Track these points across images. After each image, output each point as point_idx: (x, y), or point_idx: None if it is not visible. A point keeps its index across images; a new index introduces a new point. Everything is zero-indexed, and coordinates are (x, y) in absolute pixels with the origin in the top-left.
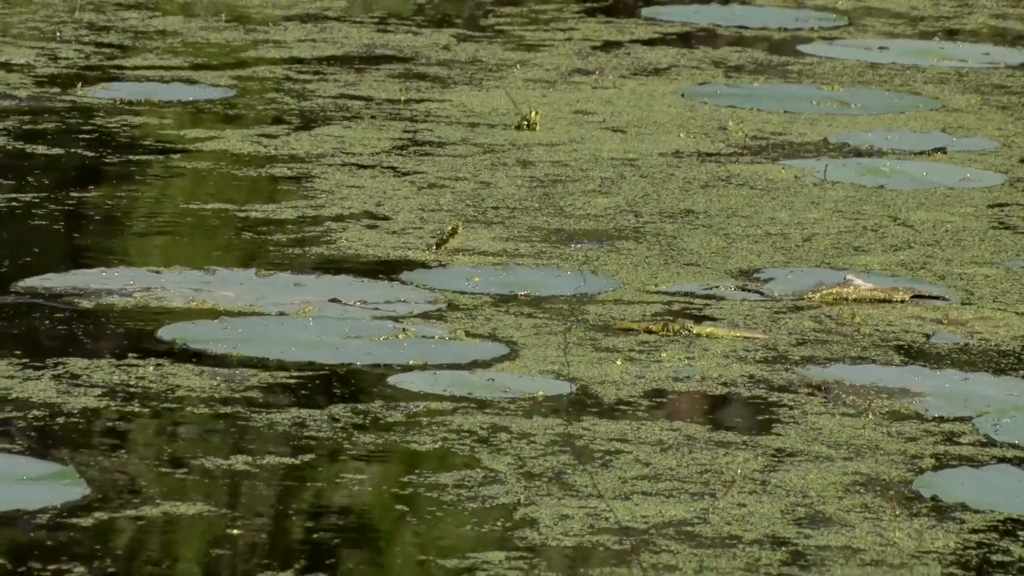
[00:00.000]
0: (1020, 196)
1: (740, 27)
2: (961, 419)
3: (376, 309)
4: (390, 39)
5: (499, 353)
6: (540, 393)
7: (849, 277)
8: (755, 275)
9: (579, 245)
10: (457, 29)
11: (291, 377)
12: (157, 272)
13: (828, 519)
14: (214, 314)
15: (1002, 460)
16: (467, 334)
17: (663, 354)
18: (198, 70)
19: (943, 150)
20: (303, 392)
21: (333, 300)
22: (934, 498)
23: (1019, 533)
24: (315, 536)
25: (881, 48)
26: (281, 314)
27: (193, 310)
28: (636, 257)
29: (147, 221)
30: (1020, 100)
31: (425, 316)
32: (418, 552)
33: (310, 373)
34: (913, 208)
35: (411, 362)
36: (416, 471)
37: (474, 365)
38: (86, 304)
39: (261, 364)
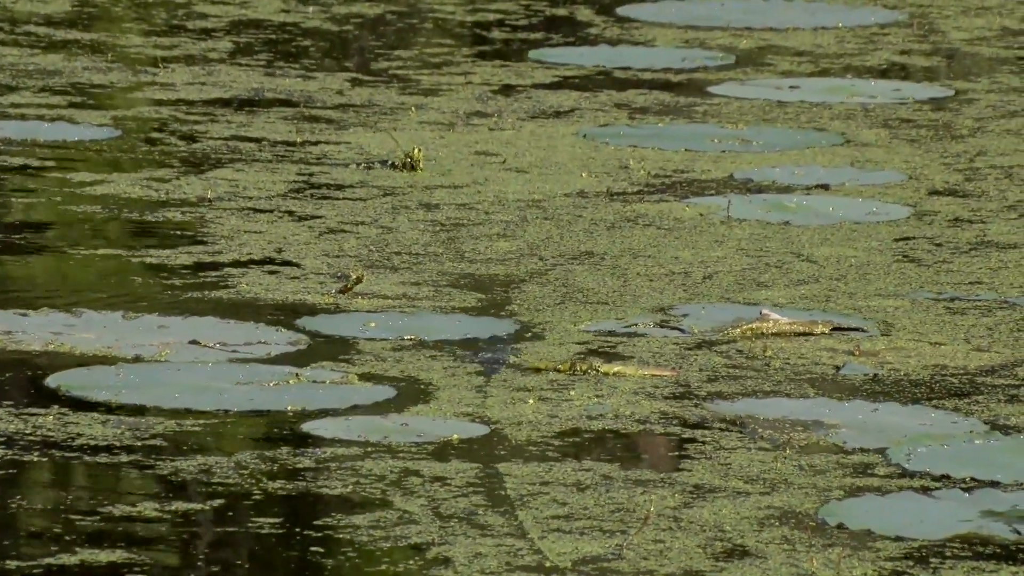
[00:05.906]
0: (927, 229)
1: (626, 68)
2: (876, 450)
3: (234, 351)
4: (279, 83)
5: (388, 396)
6: (455, 437)
7: (765, 312)
8: (671, 312)
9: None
10: (350, 73)
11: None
12: (23, 315)
13: (744, 552)
14: (75, 359)
15: (911, 489)
16: (359, 377)
17: (572, 392)
18: (82, 109)
19: (825, 187)
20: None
21: (192, 342)
22: (840, 526)
23: (931, 560)
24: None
25: (792, 87)
26: (137, 357)
27: (49, 353)
28: (541, 300)
29: (39, 262)
30: (927, 134)
31: (284, 356)
32: None
33: (190, 421)
34: (817, 244)
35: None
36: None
37: (355, 410)
38: None
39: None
